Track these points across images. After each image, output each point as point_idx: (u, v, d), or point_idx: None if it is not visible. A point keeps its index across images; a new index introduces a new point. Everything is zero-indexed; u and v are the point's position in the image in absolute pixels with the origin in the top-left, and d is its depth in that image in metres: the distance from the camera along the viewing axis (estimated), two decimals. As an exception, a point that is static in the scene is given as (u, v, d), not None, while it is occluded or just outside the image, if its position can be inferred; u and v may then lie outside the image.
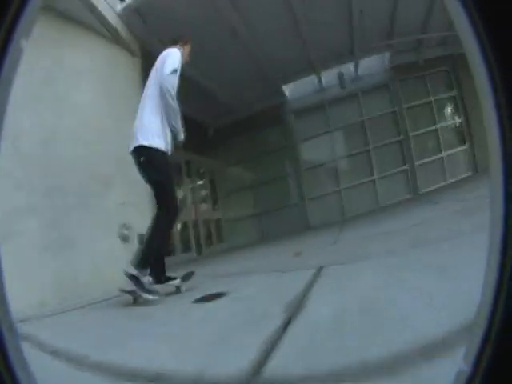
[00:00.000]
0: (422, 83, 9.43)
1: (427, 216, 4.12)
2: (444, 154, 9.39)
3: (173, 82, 2.64)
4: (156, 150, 2.62)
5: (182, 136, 2.79)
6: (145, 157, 2.62)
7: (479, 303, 0.39)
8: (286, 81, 8.93)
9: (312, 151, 9.69)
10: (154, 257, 2.59)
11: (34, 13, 0.50)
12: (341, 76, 8.88)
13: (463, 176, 9.05)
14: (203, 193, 9.79)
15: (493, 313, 0.38)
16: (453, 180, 8.97)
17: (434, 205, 5.54)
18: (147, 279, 2.53)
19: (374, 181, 9.29)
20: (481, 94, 0.39)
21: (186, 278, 2.75)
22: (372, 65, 9.22)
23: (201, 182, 9.67)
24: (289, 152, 9.70)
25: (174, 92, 2.64)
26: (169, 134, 2.72)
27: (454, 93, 9.56)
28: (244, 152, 9.71)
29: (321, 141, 9.61)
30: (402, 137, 9.28)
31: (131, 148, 2.68)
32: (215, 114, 9.17)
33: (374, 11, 6.61)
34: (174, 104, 2.65)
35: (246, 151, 9.69)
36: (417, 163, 9.19)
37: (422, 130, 9.37)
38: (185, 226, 8.06)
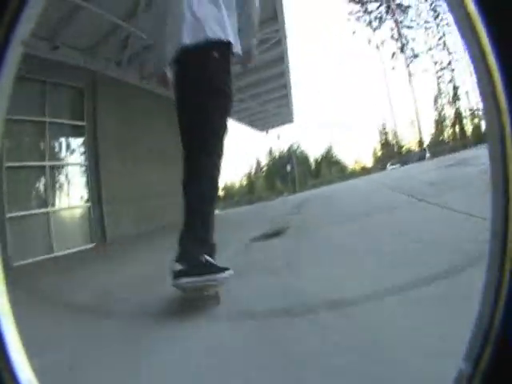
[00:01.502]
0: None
1: None
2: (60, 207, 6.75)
3: None
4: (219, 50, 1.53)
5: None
6: (197, 64, 1.52)
7: (480, 302, 0.39)
8: None
9: None
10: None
11: (33, 13, 0.50)
12: None
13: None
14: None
15: (493, 311, 0.38)
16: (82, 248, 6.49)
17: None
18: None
19: None
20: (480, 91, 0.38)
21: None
22: None
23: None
24: None
25: None
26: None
27: (82, 123, 7.39)
28: None
29: None
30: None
31: (176, 48, 1.53)
32: None
33: None
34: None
35: None
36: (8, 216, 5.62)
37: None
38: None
